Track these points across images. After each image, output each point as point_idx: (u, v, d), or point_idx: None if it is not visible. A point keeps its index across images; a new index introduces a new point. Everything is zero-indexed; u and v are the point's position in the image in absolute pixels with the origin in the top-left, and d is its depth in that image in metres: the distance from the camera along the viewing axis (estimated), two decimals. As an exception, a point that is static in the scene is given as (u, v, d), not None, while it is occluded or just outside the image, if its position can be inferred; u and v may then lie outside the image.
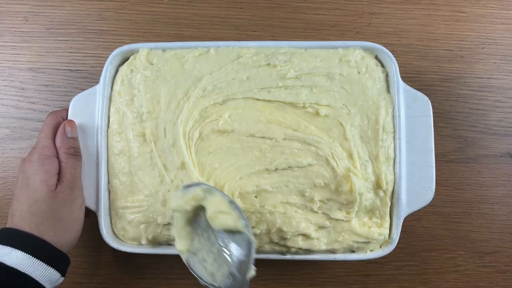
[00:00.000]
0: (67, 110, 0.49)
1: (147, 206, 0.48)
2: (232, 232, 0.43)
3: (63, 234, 0.44)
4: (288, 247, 0.48)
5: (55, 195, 0.44)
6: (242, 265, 0.42)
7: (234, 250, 0.43)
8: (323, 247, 0.48)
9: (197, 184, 0.44)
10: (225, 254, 0.43)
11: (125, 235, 0.50)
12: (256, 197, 0.48)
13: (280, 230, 0.47)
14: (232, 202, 0.43)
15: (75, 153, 0.47)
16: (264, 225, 0.47)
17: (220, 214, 0.42)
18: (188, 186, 0.44)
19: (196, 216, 0.45)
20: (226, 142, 0.48)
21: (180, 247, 0.43)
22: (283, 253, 0.49)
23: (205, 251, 0.44)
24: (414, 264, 0.57)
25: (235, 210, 0.42)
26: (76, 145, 0.48)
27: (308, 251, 0.48)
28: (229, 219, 0.42)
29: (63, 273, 0.44)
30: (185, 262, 0.43)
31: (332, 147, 0.48)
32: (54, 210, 0.44)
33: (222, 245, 0.44)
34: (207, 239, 0.44)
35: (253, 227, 0.48)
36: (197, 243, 0.44)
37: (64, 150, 0.46)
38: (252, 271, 0.41)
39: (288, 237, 0.47)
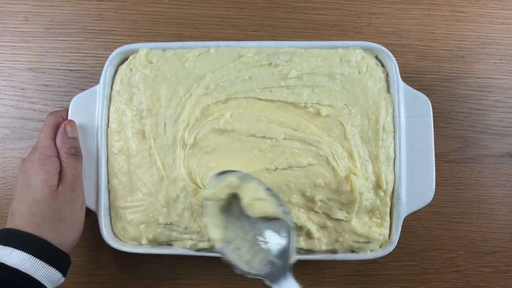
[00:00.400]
0: (67, 110, 0.49)
1: (146, 205, 0.48)
2: (268, 219, 0.41)
3: (64, 234, 0.44)
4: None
5: (56, 195, 0.44)
6: (282, 252, 0.40)
7: (271, 237, 0.41)
8: (324, 247, 0.48)
9: (231, 171, 0.43)
10: (260, 242, 0.41)
11: (125, 235, 0.50)
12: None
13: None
14: (269, 189, 0.42)
15: (76, 153, 0.47)
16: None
17: (257, 201, 0.41)
18: (221, 174, 0.43)
19: (228, 205, 0.43)
20: (225, 141, 0.48)
21: (214, 235, 0.42)
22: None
23: (239, 240, 0.42)
24: (414, 264, 0.57)
25: (273, 197, 0.41)
26: (77, 145, 0.48)
27: (308, 251, 0.48)
28: (268, 206, 0.41)
29: (64, 273, 0.44)
30: (219, 251, 0.42)
31: (332, 147, 0.48)
32: (55, 210, 0.44)
33: (256, 232, 0.42)
34: (240, 227, 0.43)
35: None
36: (230, 232, 0.43)
37: (64, 150, 0.46)
38: (293, 257, 0.40)
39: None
